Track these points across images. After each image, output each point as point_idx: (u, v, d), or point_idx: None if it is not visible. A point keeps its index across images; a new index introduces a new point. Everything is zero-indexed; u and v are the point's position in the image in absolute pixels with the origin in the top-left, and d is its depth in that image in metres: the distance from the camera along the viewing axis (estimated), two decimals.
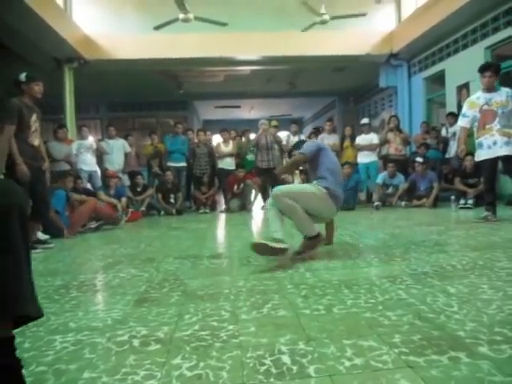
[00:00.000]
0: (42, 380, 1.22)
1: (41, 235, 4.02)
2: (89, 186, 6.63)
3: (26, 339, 1.54)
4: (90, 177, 6.78)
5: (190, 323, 1.63)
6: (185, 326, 1.60)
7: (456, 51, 7.48)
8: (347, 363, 1.23)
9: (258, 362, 1.27)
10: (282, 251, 2.62)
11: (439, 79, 8.15)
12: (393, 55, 8.84)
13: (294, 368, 1.22)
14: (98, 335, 1.55)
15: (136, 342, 1.47)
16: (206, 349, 1.38)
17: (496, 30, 6.42)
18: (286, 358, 1.28)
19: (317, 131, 8.38)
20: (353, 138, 7.58)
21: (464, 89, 7.18)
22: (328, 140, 7.69)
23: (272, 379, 1.16)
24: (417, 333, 1.43)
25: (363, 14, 7.37)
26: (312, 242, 2.87)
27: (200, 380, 1.18)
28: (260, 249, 2.58)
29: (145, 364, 1.29)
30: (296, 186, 3.12)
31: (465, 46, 7.22)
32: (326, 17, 7.06)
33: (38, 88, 3.73)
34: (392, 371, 1.17)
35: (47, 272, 2.75)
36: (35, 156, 3.77)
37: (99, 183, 6.77)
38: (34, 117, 3.72)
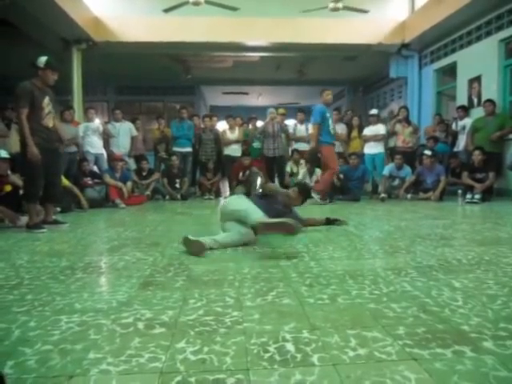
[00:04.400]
0: (48, 359, 1.23)
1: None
2: (95, 168, 6.65)
3: (32, 318, 1.55)
4: (97, 159, 6.78)
5: (194, 308, 1.64)
6: (189, 311, 1.61)
7: (469, 43, 7.35)
8: (351, 353, 1.24)
9: (262, 348, 1.27)
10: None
11: (450, 71, 8.03)
12: (404, 45, 8.70)
13: (298, 356, 1.22)
14: (103, 317, 1.56)
15: (141, 325, 1.48)
16: (210, 334, 1.39)
17: (511, 22, 6.29)
18: (289, 346, 1.29)
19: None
20: (360, 129, 7.52)
21: (476, 82, 7.09)
22: (335, 129, 7.64)
23: (276, 366, 1.17)
24: (421, 325, 1.43)
25: (366, 11, 7.31)
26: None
27: (204, 364, 1.19)
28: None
29: (149, 347, 1.30)
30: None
31: (478, 39, 7.08)
32: (340, 5, 6.94)
33: (53, 77, 3.74)
34: (396, 363, 1.18)
35: (53, 253, 2.77)
36: (50, 138, 3.78)
37: (105, 166, 6.78)
38: (46, 99, 3.73)
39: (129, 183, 6.32)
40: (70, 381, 1.12)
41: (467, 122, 6.63)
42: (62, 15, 6.70)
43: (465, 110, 6.86)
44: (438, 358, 1.20)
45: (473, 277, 2.01)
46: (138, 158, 7.25)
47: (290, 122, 8.46)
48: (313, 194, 5.69)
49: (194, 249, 2.61)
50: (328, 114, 5.87)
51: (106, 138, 7.07)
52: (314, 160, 6.52)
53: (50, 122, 3.78)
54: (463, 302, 1.65)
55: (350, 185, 6.63)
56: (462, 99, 7.41)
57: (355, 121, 7.68)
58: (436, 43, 8.33)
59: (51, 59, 3.74)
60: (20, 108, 3.56)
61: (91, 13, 7.91)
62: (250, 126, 8.22)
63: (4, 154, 4.33)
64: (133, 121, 7.56)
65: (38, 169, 3.65)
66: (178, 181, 7.09)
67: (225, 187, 8.04)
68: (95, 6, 7.97)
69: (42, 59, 3.67)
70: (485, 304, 1.63)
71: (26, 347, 1.31)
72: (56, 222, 3.94)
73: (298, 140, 7.72)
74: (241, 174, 7.13)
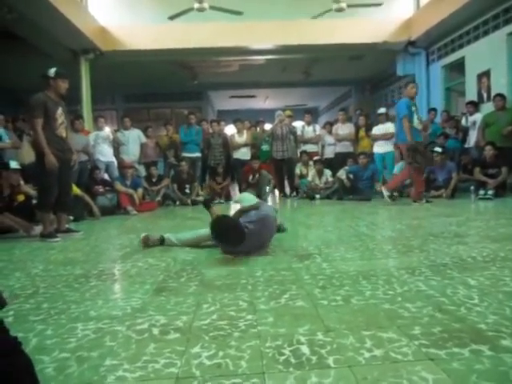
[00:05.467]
0: (66, 366, 1.24)
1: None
2: (106, 176, 6.71)
3: (48, 326, 1.57)
4: (107, 167, 6.84)
5: (208, 313, 1.65)
6: (203, 316, 1.61)
7: (476, 38, 7.28)
8: (367, 354, 1.23)
9: (277, 351, 1.27)
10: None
11: (459, 67, 7.96)
12: (411, 43, 8.65)
13: (313, 358, 1.22)
14: (118, 323, 1.58)
15: (155, 331, 1.49)
16: (224, 338, 1.39)
17: None
18: (304, 349, 1.28)
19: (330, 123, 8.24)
20: (368, 128, 7.47)
21: (484, 77, 7.01)
22: (342, 130, 7.61)
23: (291, 369, 1.17)
24: (437, 325, 1.41)
25: (379, 4, 7.26)
26: None
27: (220, 369, 1.19)
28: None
29: (165, 352, 1.31)
30: None
31: (486, 33, 7.01)
32: (343, 4, 6.94)
33: (63, 85, 3.82)
34: (412, 363, 1.16)
35: (67, 261, 2.80)
36: (63, 148, 3.86)
37: (116, 174, 6.83)
38: (59, 110, 3.81)
39: (139, 190, 6.36)
40: None
41: (477, 117, 6.55)
42: (70, 27, 6.80)
43: (474, 106, 6.77)
44: (456, 357, 1.19)
45: (488, 274, 1.99)
46: (149, 165, 7.29)
47: (298, 124, 8.44)
48: (384, 194, 5.48)
49: (143, 241, 3.13)
50: (414, 108, 5.65)
51: (116, 146, 7.13)
52: (416, 154, 5.67)
53: (63, 132, 3.87)
54: (479, 300, 1.63)
55: (360, 185, 6.59)
56: (471, 94, 7.34)
57: (361, 120, 7.64)
58: (443, 39, 8.26)
59: (60, 69, 3.84)
60: (34, 118, 3.63)
61: (98, 23, 8.02)
62: (258, 129, 8.23)
63: (14, 164, 4.40)
64: (145, 128, 7.61)
65: (52, 178, 3.72)
66: (187, 186, 7.12)
67: (235, 191, 8.04)
68: (101, 17, 8.08)
69: (52, 70, 3.78)
70: (501, 301, 1.61)
71: (44, 355, 1.32)
72: (69, 231, 3.99)
73: (306, 142, 7.71)
74: (250, 177, 7.13)
